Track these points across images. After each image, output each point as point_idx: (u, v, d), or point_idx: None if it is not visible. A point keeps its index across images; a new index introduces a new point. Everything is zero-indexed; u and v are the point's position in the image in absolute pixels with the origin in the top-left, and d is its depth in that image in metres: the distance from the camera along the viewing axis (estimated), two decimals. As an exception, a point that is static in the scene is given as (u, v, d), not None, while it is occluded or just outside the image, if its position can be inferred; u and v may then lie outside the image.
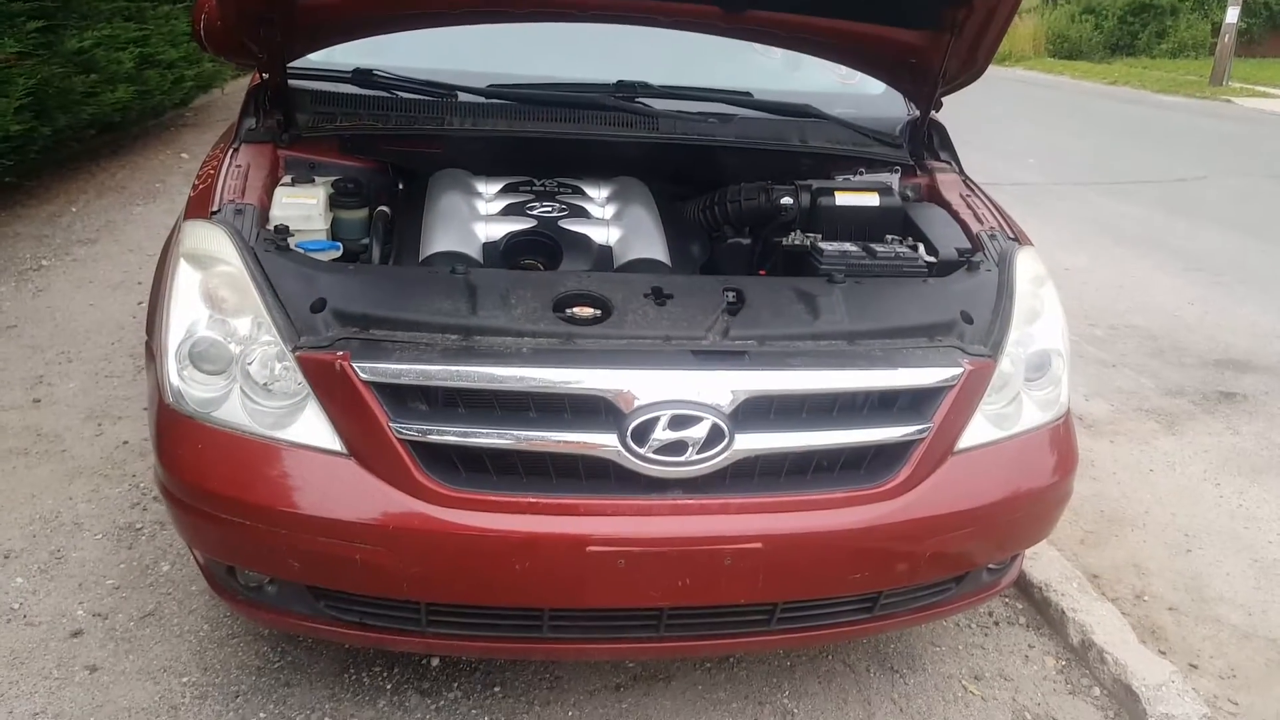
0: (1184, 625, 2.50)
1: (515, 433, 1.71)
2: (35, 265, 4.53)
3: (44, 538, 2.61)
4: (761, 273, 2.22)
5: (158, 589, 2.44)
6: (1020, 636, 2.43)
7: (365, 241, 2.22)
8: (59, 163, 5.88)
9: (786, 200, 2.26)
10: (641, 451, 1.69)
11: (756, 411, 1.74)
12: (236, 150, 2.26)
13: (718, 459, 1.71)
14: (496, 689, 2.15)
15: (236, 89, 8.07)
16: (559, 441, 1.71)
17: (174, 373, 1.83)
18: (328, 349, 1.74)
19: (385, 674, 2.18)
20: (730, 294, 1.90)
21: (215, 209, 2.00)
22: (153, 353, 2.02)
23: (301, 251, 1.98)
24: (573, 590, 1.76)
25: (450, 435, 1.71)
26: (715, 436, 1.70)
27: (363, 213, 2.27)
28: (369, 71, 2.36)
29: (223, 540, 1.82)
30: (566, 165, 2.42)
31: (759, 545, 1.74)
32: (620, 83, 2.43)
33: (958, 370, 1.84)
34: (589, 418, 1.72)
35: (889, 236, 2.22)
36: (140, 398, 3.33)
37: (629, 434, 1.69)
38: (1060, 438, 2.02)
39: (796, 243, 2.16)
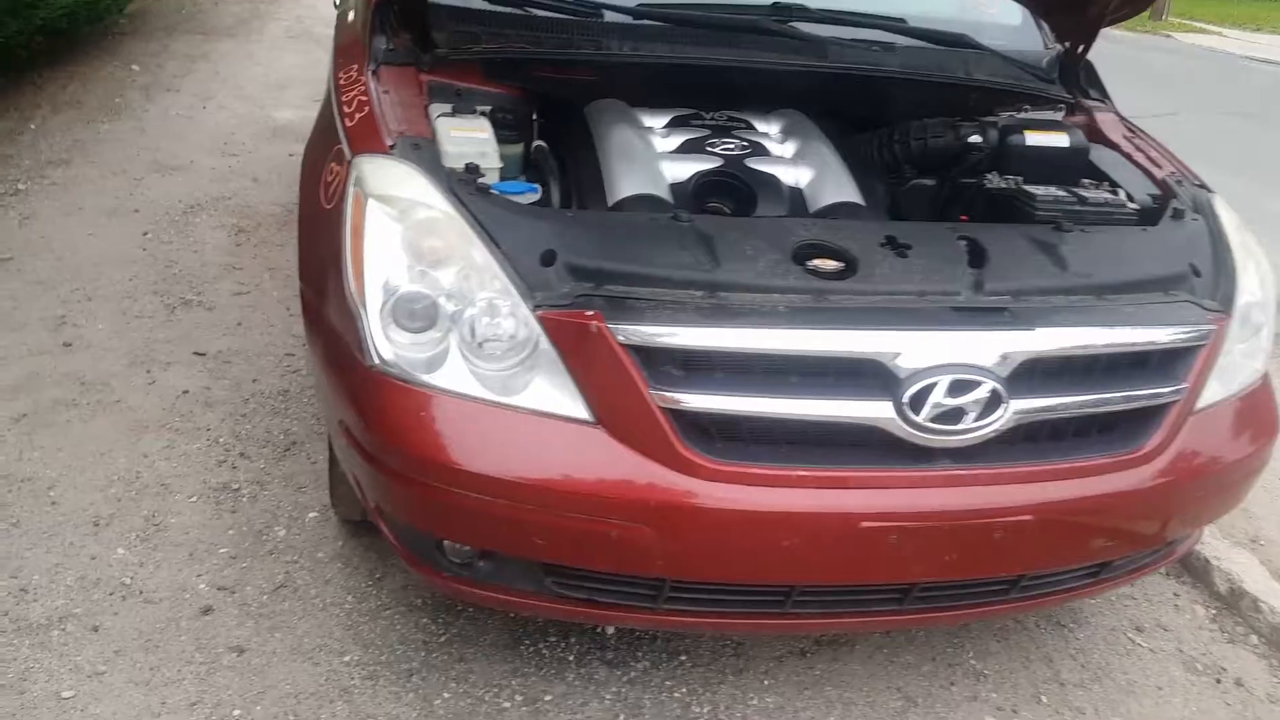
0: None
1: (783, 400, 1.58)
2: (11, 189, 4.07)
3: (130, 501, 2.37)
4: (963, 219, 2.10)
5: (281, 557, 2.24)
6: (1164, 586, 2.45)
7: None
8: (4, 74, 5.31)
9: (976, 138, 2.14)
10: (917, 419, 1.59)
11: (1029, 374, 1.65)
12: (376, 73, 2.02)
13: (993, 426, 1.62)
14: (683, 658, 2.05)
15: (167, -7, 7.45)
16: (829, 409, 1.60)
17: (378, 332, 1.63)
18: (571, 307, 1.58)
19: (563, 644, 2.05)
20: (963, 242, 1.79)
21: (391, 143, 1.78)
22: (316, 305, 1.82)
23: (504, 195, 1.78)
24: (837, 567, 1.67)
25: (712, 403, 1.57)
26: (994, 402, 1.61)
27: (519, 147, 2.07)
28: None
29: (445, 514, 1.65)
30: (725, 97, 2.24)
31: (1030, 517, 1.67)
32: (776, 4, 2.25)
33: (1210, 327, 1.78)
34: (859, 383, 1.60)
35: (1085, 181, 2.13)
36: (182, 340, 3.07)
37: (906, 400, 1.58)
38: (1268, 395, 1.99)
39: (1002, 185, 2.04)
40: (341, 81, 2.07)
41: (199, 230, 3.88)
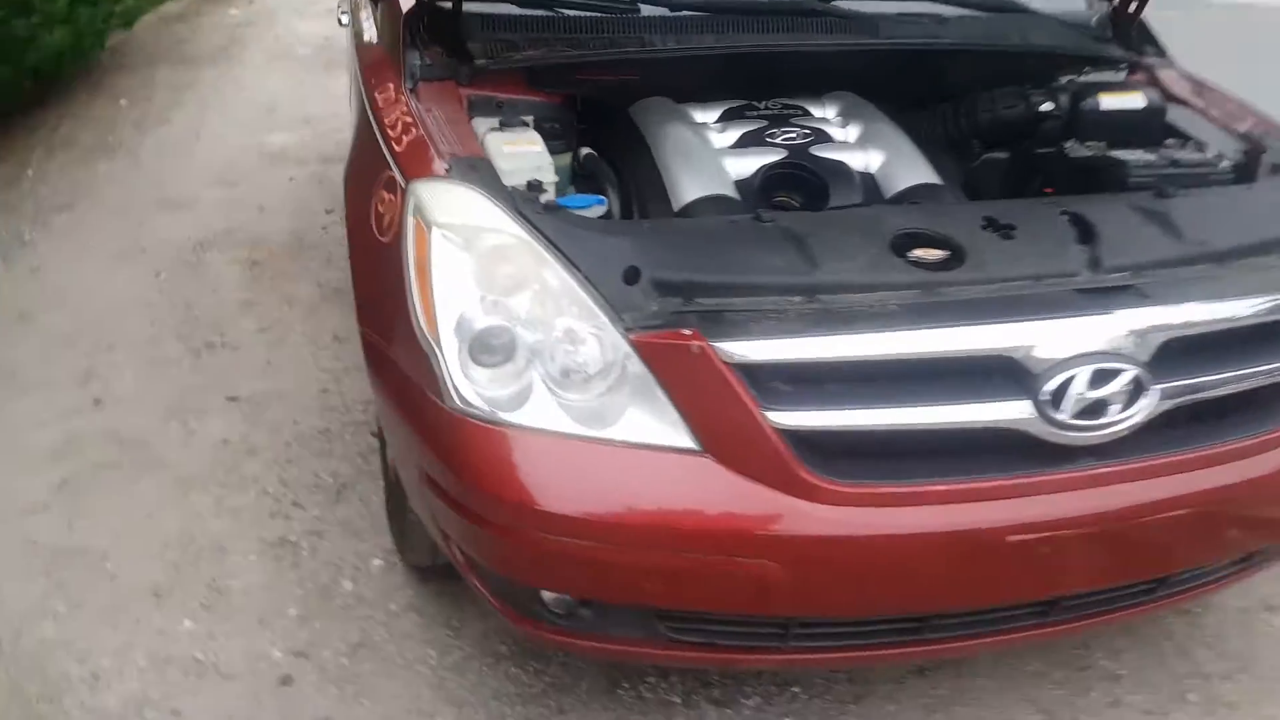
0: None
1: (908, 409, 1.45)
2: (17, 240, 3.93)
3: (189, 567, 2.24)
4: (1047, 191, 1.96)
5: (353, 614, 2.11)
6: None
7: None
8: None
9: (1048, 106, 2.00)
10: (1059, 417, 1.45)
11: (1168, 355, 1.52)
12: (414, 91, 1.88)
13: (1138, 416, 1.49)
14: (795, 689, 1.93)
15: (142, 26, 7.26)
16: (960, 414, 1.46)
17: (456, 371, 1.49)
18: (664, 327, 1.44)
19: (664, 685, 1.93)
20: (1066, 217, 1.65)
21: (446, 166, 1.64)
22: (381, 347, 1.68)
23: (572, 211, 1.64)
24: (983, 587, 1.54)
25: (831, 418, 1.44)
26: (1136, 389, 1.47)
27: (567, 157, 1.93)
28: None
29: (544, 563, 1.52)
30: (774, 84, 2.11)
31: (1186, 509, 1.54)
32: None
33: None
34: (991, 382, 1.47)
35: (1168, 141, 1.99)
36: (213, 386, 2.93)
37: (1046, 397, 1.45)
38: None
39: (1086, 153, 1.90)
40: (380, 103, 1.92)
41: (212, 267, 3.73)
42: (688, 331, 1.42)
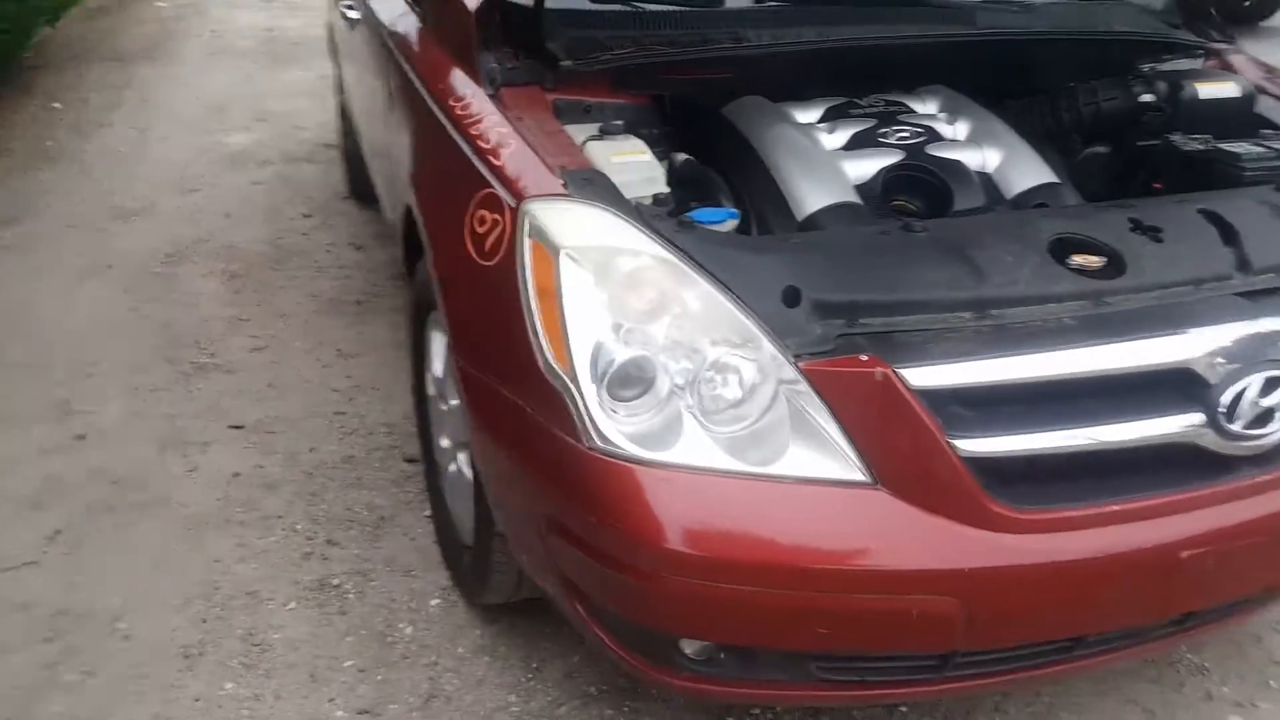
0: None
1: (1089, 428, 1.34)
2: (-39, 258, 3.60)
3: (219, 621, 2.02)
4: (1157, 186, 1.87)
5: (418, 661, 1.92)
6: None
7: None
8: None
9: (1148, 97, 1.92)
10: (1233, 428, 1.36)
11: None
12: (497, 97, 1.71)
13: None
14: (903, 709, 1.81)
15: (64, 21, 6.81)
16: (1139, 430, 1.36)
17: (596, 408, 1.33)
18: (836, 353, 1.30)
19: (770, 714, 1.79)
20: (1203, 216, 1.57)
21: (561, 181, 1.47)
22: (490, 383, 1.51)
23: (708, 227, 1.49)
24: (1152, 604, 1.44)
25: (1013, 443, 1.32)
26: None
27: (664, 165, 1.78)
28: None
29: (696, 610, 1.36)
30: (869, 79, 1.97)
31: None
32: None
33: None
34: (1168, 395, 1.37)
35: (1264, 130, 1.93)
36: (211, 413, 2.70)
37: (1222, 410, 1.36)
38: None
39: (1199, 147, 1.82)
40: (459, 111, 1.73)
41: (186, 281, 3.47)
42: (864, 358, 1.29)
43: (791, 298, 1.33)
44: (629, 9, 1.82)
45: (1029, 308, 1.37)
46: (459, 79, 1.83)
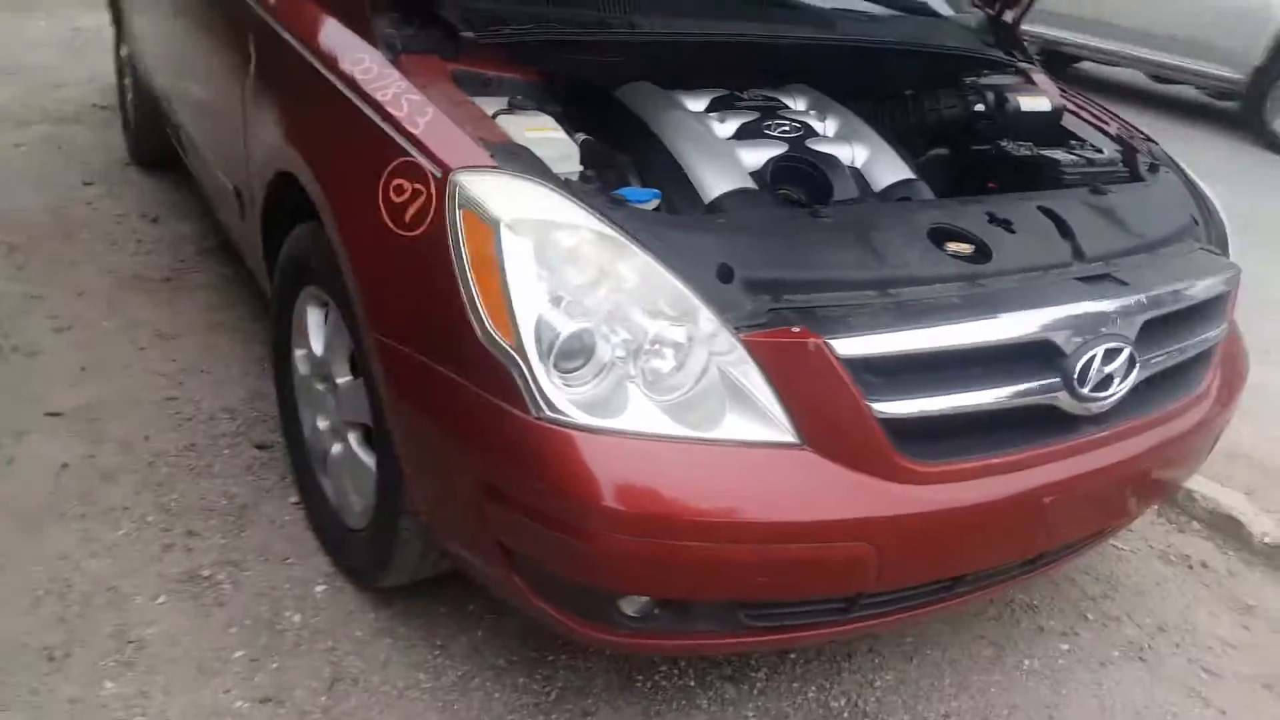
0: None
1: (975, 392, 1.56)
2: None
3: (80, 620, 1.87)
4: (991, 186, 2.13)
5: (314, 647, 1.89)
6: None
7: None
8: None
9: (980, 106, 2.20)
10: (1084, 391, 1.64)
11: (1145, 333, 1.74)
12: (397, 64, 1.70)
13: (1126, 387, 1.70)
14: (792, 655, 1.99)
15: None
16: (1012, 393, 1.59)
17: (544, 378, 1.40)
18: (769, 325, 1.45)
19: (676, 672, 1.92)
20: (1041, 213, 1.82)
21: (489, 154, 1.51)
22: (419, 357, 1.53)
23: (635, 205, 1.58)
24: (1018, 544, 1.70)
25: (916, 405, 1.52)
26: (1130, 363, 1.69)
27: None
28: None
29: (639, 567, 1.46)
30: (745, 74, 2.12)
31: (1148, 465, 1.79)
32: None
33: (1236, 270, 1.97)
34: (1033, 363, 1.62)
35: (1071, 141, 2.25)
36: (20, 401, 2.47)
37: (1075, 375, 1.62)
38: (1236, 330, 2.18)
39: (1026, 153, 2.10)
40: (359, 75, 1.70)
41: (-47, 255, 3.10)
42: (796, 329, 1.43)
43: (726, 274, 1.46)
44: None
45: (919, 287, 1.58)
46: (350, 41, 1.80)
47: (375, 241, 1.59)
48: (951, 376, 1.56)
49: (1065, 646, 2.12)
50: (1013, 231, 1.73)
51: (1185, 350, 1.85)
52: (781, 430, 1.46)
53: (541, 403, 1.39)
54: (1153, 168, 2.17)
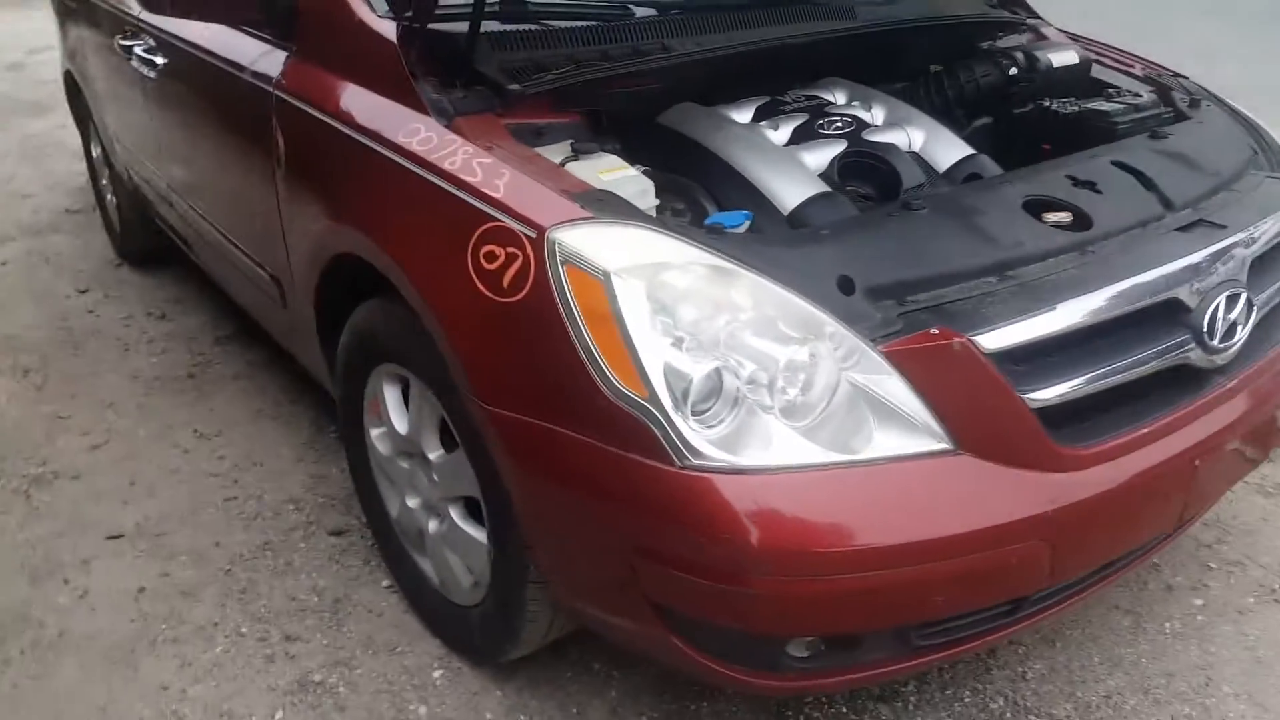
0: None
1: (1115, 363, 1.50)
2: None
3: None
4: (1046, 147, 2.09)
5: (452, 739, 1.80)
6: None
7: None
8: None
9: (1014, 71, 2.16)
10: (1214, 344, 1.59)
11: (1255, 273, 1.70)
12: (453, 128, 1.63)
13: (1247, 332, 1.65)
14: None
15: None
16: (1148, 358, 1.54)
17: (683, 426, 1.32)
18: (906, 332, 1.38)
19: (824, 701, 1.85)
20: (1118, 169, 1.78)
21: (579, 205, 1.44)
22: (537, 422, 1.45)
23: (732, 230, 1.51)
24: (1175, 510, 1.64)
25: (1065, 389, 1.46)
26: (1249, 308, 1.64)
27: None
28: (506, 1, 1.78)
29: (805, 607, 1.38)
30: (780, 76, 2.07)
31: (1275, 405, 1.74)
32: None
33: None
34: (1160, 324, 1.57)
35: (1109, 90, 2.21)
36: (76, 529, 2.36)
37: (1205, 328, 1.57)
38: None
39: (1075, 109, 2.06)
40: (419, 147, 1.62)
41: (-33, 387, 2.98)
42: (934, 331, 1.37)
43: (847, 285, 1.40)
44: (545, 29, 1.80)
45: (1035, 265, 1.52)
46: (397, 113, 1.72)
47: (473, 311, 1.50)
48: (1089, 352, 1.50)
49: (1199, 601, 2.07)
50: (1099, 192, 1.68)
51: None
52: (935, 438, 1.39)
53: (685, 451, 1.32)
54: (1193, 103, 2.14)
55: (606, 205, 1.45)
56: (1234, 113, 2.16)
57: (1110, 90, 2.20)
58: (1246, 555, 2.21)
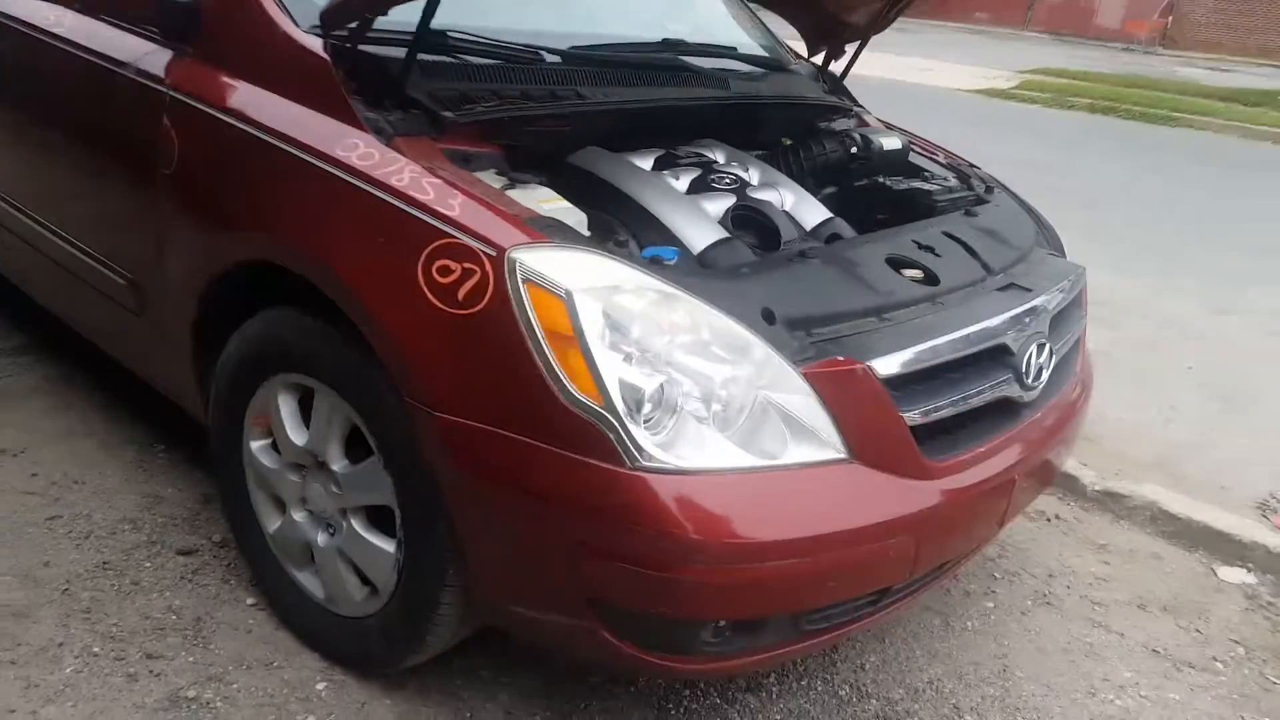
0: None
1: (962, 394, 1.81)
2: None
3: None
4: (880, 217, 2.39)
5: (345, 747, 1.80)
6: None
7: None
8: None
9: (855, 150, 2.49)
10: (1029, 382, 1.94)
11: (1052, 327, 2.07)
12: (392, 146, 1.71)
13: (1047, 374, 2.02)
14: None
15: None
16: (986, 390, 1.85)
17: (637, 432, 1.49)
18: (818, 358, 1.62)
19: (699, 691, 2.02)
20: (947, 238, 2.10)
21: (537, 228, 1.58)
22: (488, 429, 1.56)
23: (668, 262, 1.69)
24: (996, 520, 1.95)
25: (932, 411, 1.74)
26: (1050, 355, 2.01)
27: None
28: (441, 34, 1.90)
29: (730, 593, 1.56)
30: (666, 131, 2.28)
31: (1065, 437, 2.12)
32: (665, 41, 2.36)
33: (1083, 268, 2.37)
34: (994, 364, 1.89)
35: (924, 172, 2.60)
36: None
37: (1023, 369, 1.92)
38: None
39: (905, 186, 2.40)
40: (360, 162, 1.67)
41: None
42: (841, 358, 1.62)
43: (770, 316, 1.62)
44: (477, 63, 1.92)
45: (902, 310, 1.81)
46: (331, 128, 1.76)
47: (422, 321, 1.57)
48: (944, 383, 1.80)
49: (990, 604, 2.45)
50: (938, 255, 2.01)
51: (1071, 338, 2.22)
52: (834, 449, 1.62)
53: (637, 454, 1.47)
54: (988, 189, 2.57)
55: (557, 231, 1.59)
56: (1016, 198, 2.61)
57: (926, 173, 2.60)
58: (1022, 567, 2.63)
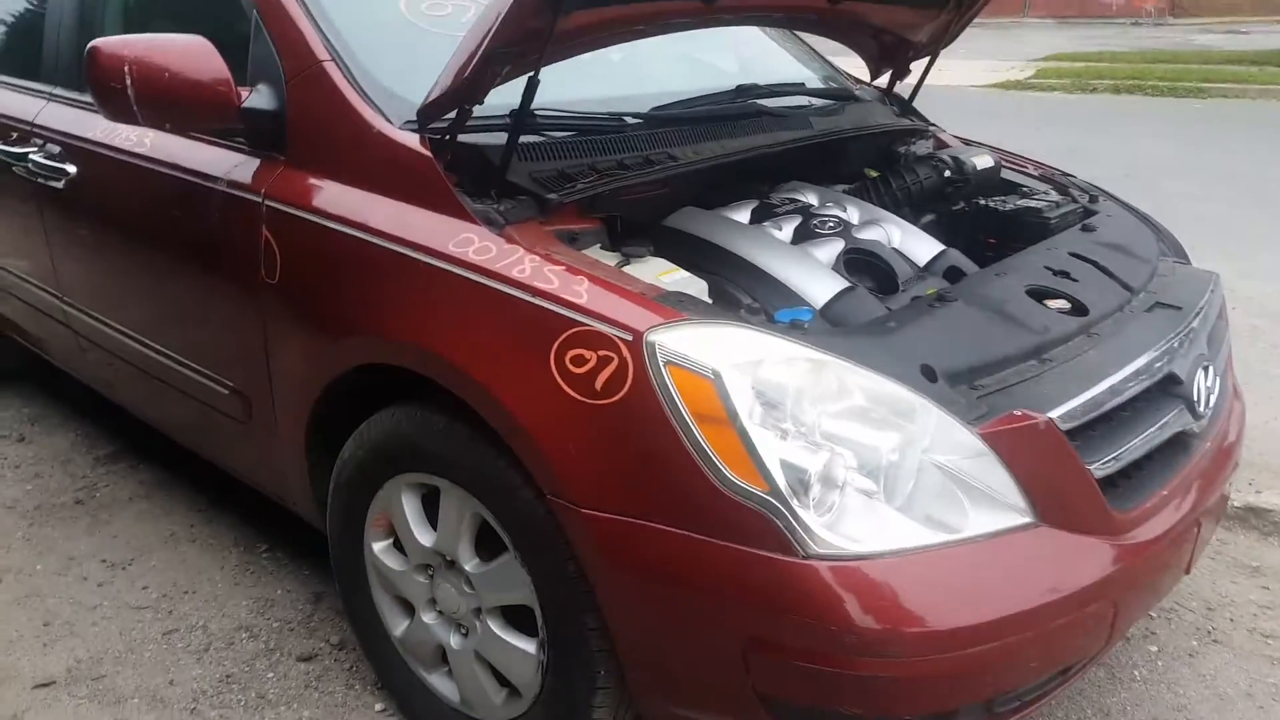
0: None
1: (1141, 435, 1.66)
2: None
3: None
4: (991, 241, 2.27)
5: None
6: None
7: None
8: None
9: (948, 173, 2.38)
10: (1200, 410, 1.79)
11: (1208, 344, 1.91)
12: (504, 236, 1.64)
13: (1215, 397, 1.86)
14: None
15: None
16: (1163, 428, 1.70)
17: (807, 516, 1.38)
18: (990, 416, 1.49)
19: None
20: (1078, 260, 1.96)
21: (674, 307, 1.49)
22: (640, 523, 1.46)
23: (809, 324, 1.60)
24: (1182, 565, 1.80)
25: (1115, 459, 1.60)
26: (1213, 376, 1.86)
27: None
28: (531, 113, 1.82)
29: (942, 683, 1.44)
30: (755, 179, 2.20)
31: (1234, 462, 1.96)
32: (739, 87, 2.28)
33: (1218, 276, 2.15)
34: (1162, 396, 1.75)
35: (1022, 189, 2.47)
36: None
37: (1194, 397, 1.77)
38: None
39: (1014, 206, 2.27)
40: (477, 257, 1.60)
41: None
42: (1018, 413, 1.48)
43: (930, 374, 1.51)
44: (562, 140, 1.86)
45: (1060, 348, 1.68)
46: (433, 222, 1.69)
47: (561, 415, 1.49)
48: (1119, 424, 1.65)
49: (1154, 648, 2.26)
50: (1075, 280, 1.87)
51: (1226, 353, 2.06)
52: (1020, 512, 1.48)
53: (808, 539, 1.37)
54: (1092, 198, 2.43)
55: (690, 305, 1.51)
56: (1123, 204, 2.48)
57: (1024, 189, 2.48)
58: (1177, 602, 2.43)
